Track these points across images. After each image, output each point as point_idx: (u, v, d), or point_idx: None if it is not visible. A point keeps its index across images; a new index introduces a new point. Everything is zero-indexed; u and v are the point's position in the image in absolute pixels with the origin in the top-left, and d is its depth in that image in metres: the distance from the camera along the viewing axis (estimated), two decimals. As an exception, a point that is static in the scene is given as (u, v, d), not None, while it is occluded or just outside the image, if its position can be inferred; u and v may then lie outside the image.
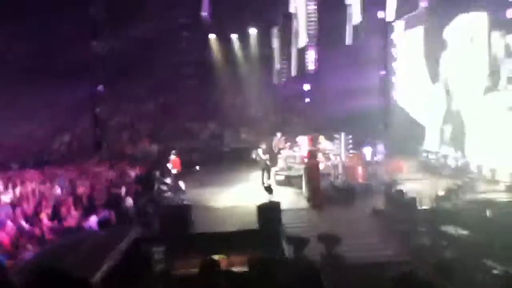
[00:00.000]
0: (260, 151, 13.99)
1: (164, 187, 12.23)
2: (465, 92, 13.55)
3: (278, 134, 15.89)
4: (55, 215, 10.39)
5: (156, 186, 12.02)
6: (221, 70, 20.43)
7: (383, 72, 18.55)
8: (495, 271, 6.57)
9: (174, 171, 13.37)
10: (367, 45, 18.07)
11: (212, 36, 20.32)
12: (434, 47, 14.90)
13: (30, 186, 12.61)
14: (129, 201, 10.75)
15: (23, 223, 9.49)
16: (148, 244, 8.89)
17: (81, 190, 12.04)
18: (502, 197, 10.08)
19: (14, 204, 10.59)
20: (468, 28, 13.33)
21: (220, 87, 20.31)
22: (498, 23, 12.15)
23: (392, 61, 18.25)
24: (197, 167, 15.45)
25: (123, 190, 11.32)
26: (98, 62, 16.90)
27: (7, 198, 11.26)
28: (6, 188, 12.19)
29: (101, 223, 9.84)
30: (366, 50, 18.22)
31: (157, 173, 12.83)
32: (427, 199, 10.24)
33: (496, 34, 12.27)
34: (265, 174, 13.73)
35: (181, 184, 12.57)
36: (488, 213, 8.85)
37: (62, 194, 11.84)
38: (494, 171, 11.76)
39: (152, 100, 19.88)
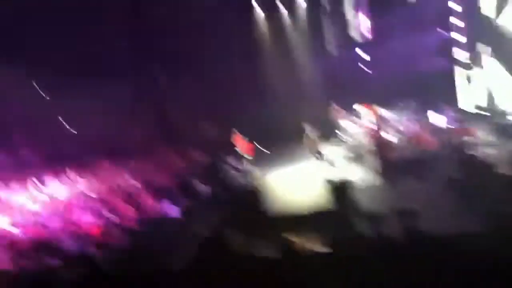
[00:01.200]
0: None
1: (235, 172, 12.45)
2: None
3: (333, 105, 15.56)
4: (132, 204, 10.99)
5: (225, 171, 12.27)
6: (271, 41, 20.21)
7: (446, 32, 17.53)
8: None
9: (245, 156, 13.47)
10: (428, 3, 17.11)
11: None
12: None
13: (104, 177, 13.37)
14: (201, 187, 11.11)
15: (108, 213, 10.11)
16: (225, 228, 9.16)
17: (153, 178, 12.59)
18: None
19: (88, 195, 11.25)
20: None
21: (273, 60, 20.08)
22: None
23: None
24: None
25: (194, 175, 11.71)
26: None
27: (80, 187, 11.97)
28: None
29: (178, 210, 10.27)
30: (427, 9, 17.26)
31: (226, 158, 13.05)
32: (504, 164, 9.73)
33: None
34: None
35: (252, 168, 12.67)
36: None
37: (135, 183, 12.46)
38: None
39: (207, 82, 19.92)
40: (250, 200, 9.94)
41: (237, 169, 12.67)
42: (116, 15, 16.89)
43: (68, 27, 15.05)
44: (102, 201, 10.85)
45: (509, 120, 13.94)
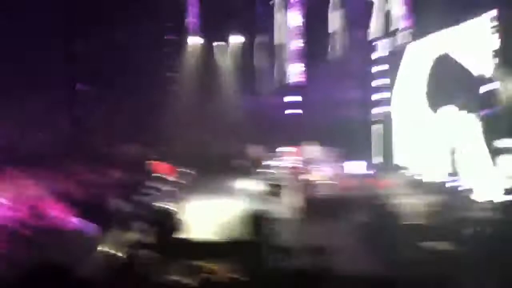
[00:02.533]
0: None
1: (153, 192, 12.13)
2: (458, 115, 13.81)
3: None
4: (39, 215, 10.23)
5: (144, 191, 11.91)
6: (203, 77, 20.46)
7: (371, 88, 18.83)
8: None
9: (164, 176, 13.26)
10: (353, 60, 18.33)
11: (194, 42, 20.22)
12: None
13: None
14: (115, 205, 10.64)
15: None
16: (136, 248, 8.80)
17: (64, 192, 11.86)
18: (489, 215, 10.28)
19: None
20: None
21: (204, 94, 20.30)
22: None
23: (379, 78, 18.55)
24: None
25: (109, 193, 11.21)
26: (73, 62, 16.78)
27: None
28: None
29: (90, 226, 9.73)
30: (351, 66, 18.47)
31: (144, 177, 12.74)
32: (414, 214, 10.42)
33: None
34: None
35: (172, 189, 12.47)
36: (474, 229, 9.06)
37: (45, 195, 11.65)
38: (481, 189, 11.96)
39: (131, 102, 19.62)
40: (168, 223, 9.65)
41: (157, 190, 12.38)
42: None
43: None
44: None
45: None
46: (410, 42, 15.99)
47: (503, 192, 10.99)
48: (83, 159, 15.97)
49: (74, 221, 9.60)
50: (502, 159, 11.48)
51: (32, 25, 15.97)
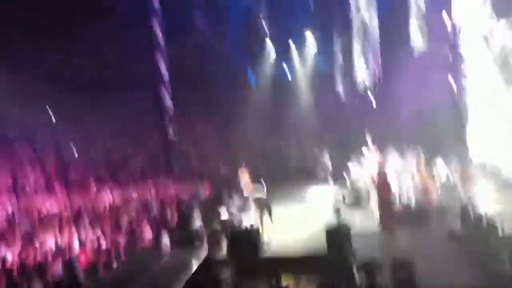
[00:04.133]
0: None
1: (234, 209, 12.34)
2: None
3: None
4: (131, 233, 10.93)
5: (225, 208, 12.16)
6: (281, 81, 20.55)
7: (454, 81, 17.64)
8: None
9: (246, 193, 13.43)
10: (436, 52, 17.30)
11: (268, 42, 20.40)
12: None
13: (106, 204, 13.37)
14: (199, 222, 11.03)
15: (102, 242, 10.04)
16: (218, 266, 9.07)
17: (154, 209, 12.55)
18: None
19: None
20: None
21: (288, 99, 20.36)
22: None
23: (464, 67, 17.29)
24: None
25: (194, 210, 11.63)
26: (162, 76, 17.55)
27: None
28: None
29: (172, 243, 10.20)
30: (435, 57, 17.43)
31: (227, 194, 12.99)
32: (509, 222, 9.54)
33: None
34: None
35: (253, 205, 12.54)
36: None
37: (136, 213, 12.42)
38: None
39: (220, 116, 20.09)
40: (247, 239, 9.83)
41: (235, 206, 12.58)
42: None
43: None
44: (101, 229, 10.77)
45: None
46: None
47: None
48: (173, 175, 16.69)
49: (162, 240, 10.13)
50: None
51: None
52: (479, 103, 16.39)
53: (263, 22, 19.19)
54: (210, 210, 11.96)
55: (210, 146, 19.13)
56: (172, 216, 12.03)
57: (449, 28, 16.97)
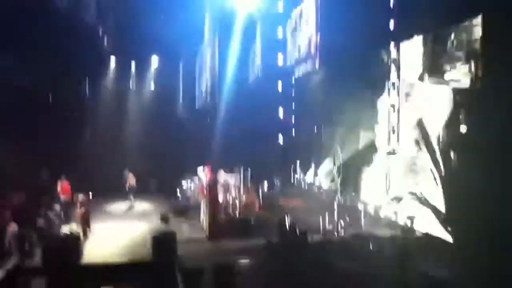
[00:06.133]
0: None
1: (52, 215, 11.35)
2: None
3: None
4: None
5: (42, 213, 11.12)
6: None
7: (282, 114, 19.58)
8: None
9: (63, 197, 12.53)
10: (268, 87, 18.94)
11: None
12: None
13: None
14: (11, 228, 9.83)
15: None
16: (28, 275, 8.20)
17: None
18: (384, 232, 10.95)
19: None
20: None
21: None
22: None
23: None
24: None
25: (5, 216, 10.36)
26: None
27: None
28: None
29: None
30: (267, 91, 19.04)
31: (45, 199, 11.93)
32: (317, 232, 10.83)
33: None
34: None
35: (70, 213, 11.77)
36: (371, 246, 9.59)
37: None
38: (379, 208, 12.71)
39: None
40: (65, 246, 9.11)
41: (56, 215, 11.61)
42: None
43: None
44: None
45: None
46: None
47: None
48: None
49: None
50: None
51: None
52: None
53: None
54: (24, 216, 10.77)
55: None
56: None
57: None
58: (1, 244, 9.40)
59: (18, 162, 16.73)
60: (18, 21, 14.47)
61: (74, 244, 9.40)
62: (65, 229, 10.81)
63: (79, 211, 11.30)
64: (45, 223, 10.96)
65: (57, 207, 12.11)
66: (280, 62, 19.42)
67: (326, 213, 11.65)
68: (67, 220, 11.73)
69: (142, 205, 15.33)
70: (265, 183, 15.18)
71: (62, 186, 12.75)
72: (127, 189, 15.30)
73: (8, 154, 16.78)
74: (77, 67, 17.47)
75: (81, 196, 11.76)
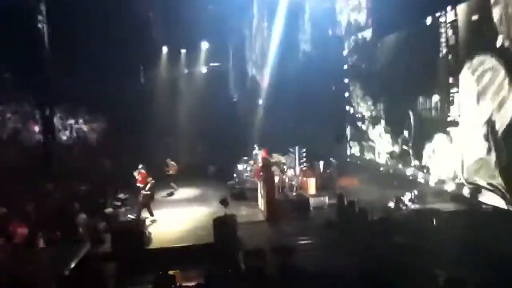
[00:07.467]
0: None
1: (119, 203, 11.90)
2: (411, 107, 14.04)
3: None
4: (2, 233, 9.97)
5: (109, 202, 11.69)
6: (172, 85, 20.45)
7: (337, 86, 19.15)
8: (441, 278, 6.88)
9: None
10: (320, 59, 18.49)
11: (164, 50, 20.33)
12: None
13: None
14: (81, 218, 10.45)
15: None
16: (100, 260, 8.70)
17: (29, 207, 11.58)
18: (448, 207, 10.56)
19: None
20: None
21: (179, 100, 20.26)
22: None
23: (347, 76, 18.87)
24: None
25: (75, 206, 11.00)
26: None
27: None
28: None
29: (50, 241, 9.54)
30: (319, 64, 18.60)
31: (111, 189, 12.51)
32: (378, 210, 10.59)
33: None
34: None
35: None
36: (434, 222, 9.28)
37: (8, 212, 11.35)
38: (441, 182, 12.24)
39: (104, 115, 19.26)
40: (131, 232, 9.56)
41: (120, 200, 12.14)
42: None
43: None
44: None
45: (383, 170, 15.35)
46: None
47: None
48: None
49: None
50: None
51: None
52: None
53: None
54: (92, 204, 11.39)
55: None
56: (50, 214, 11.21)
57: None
58: (75, 232, 9.99)
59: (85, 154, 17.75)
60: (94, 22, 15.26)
61: (141, 229, 9.82)
62: (132, 215, 11.38)
63: (145, 196, 11.74)
64: (113, 211, 11.54)
65: (124, 195, 12.63)
66: (331, 36, 18.91)
67: (385, 190, 11.40)
68: (136, 207, 12.19)
69: (199, 190, 15.61)
70: (321, 162, 14.97)
71: (141, 175, 13.07)
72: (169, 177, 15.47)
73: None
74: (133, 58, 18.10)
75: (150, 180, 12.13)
